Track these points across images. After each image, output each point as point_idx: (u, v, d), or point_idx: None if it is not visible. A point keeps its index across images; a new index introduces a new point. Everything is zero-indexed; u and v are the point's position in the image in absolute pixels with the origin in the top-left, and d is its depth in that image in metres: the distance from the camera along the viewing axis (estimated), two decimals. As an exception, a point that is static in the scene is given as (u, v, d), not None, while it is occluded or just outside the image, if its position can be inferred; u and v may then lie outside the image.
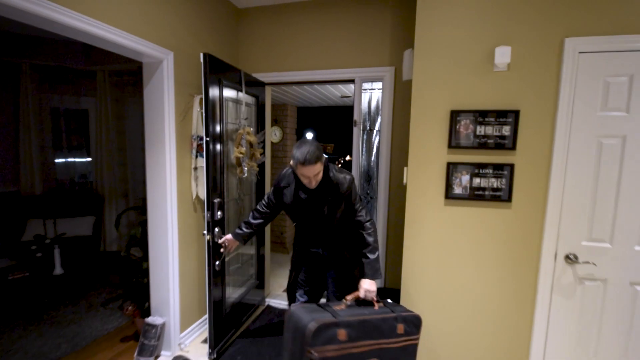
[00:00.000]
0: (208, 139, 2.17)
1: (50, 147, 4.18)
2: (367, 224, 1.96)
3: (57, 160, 4.30)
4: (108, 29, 1.79)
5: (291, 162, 1.83)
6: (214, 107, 2.23)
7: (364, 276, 1.89)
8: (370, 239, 1.93)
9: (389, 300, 1.91)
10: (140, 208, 3.00)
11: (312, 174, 1.80)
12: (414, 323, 1.84)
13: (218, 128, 2.30)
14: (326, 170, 1.92)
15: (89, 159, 4.45)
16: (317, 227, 2.05)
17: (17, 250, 3.46)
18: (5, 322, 2.79)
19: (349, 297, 1.78)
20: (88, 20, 1.69)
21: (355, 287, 1.98)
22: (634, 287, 1.90)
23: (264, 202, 2.21)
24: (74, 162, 4.44)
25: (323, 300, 2.33)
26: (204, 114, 2.16)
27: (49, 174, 4.20)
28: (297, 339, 1.59)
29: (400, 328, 1.79)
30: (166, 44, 2.19)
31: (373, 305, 1.81)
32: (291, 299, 2.26)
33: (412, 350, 1.83)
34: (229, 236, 2.24)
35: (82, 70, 4.18)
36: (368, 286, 1.83)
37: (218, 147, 2.32)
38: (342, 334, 1.59)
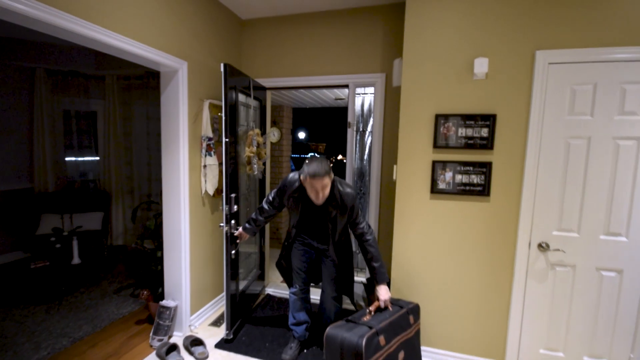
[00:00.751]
0: (227, 139, 2.40)
1: (61, 147, 4.40)
2: (368, 235, 2.19)
3: (67, 159, 4.52)
4: (133, 43, 2.01)
5: (301, 176, 2.03)
6: (231, 111, 2.46)
7: (375, 283, 2.16)
8: (372, 249, 2.18)
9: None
10: (152, 202, 3.23)
11: (321, 187, 2.00)
12: (417, 311, 2.17)
13: (234, 130, 2.55)
14: (333, 186, 2.11)
15: (97, 158, 4.67)
16: (319, 234, 2.31)
17: (33, 243, 3.68)
18: (29, 306, 3.02)
19: (372, 308, 2.02)
20: (116, 36, 1.91)
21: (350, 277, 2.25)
22: (599, 272, 2.13)
23: (268, 200, 2.40)
24: (84, 160, 4.66)
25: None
26: (223, 118, 2.38)
27: (61, 171, 4.42)
28: (350, 356, 1.76)
29: (411, 319, 2.10)
30: (181, 55, 2.41)
31: (387, 307, 2.08)
32: (285, 276, 2.55)
33: (419, 333, 2.15)
34: (241, 229, 2.49)
35: (92, 74, 4.40)
36: (384, 295, 2.10)
37: (234, 147, 2.57)
38: (382, 340, 1.83)
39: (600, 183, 2.06)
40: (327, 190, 2.05)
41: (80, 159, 4.62)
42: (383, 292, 2.10)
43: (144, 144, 4.56)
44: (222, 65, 2.36)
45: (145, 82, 4.34)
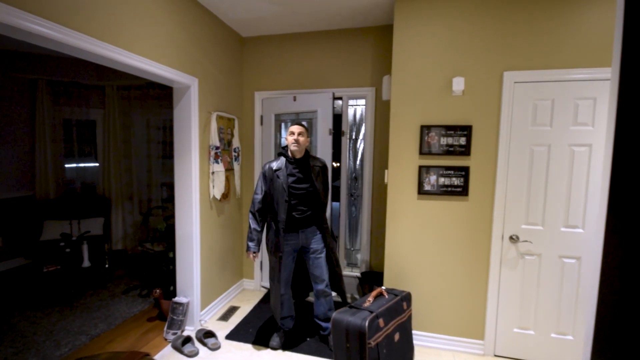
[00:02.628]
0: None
1: (62, 155, 4.53)
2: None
3: (67, 166, 4.65)
4: (152, 64, 2.26)
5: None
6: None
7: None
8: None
9: (383, 287, 2.45)
10: (162, 207, 3.44)
11: (297, 131, 2.44)
12: (409, 298, 2.49)
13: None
14: (308, 153, 2.57)
15: (97, 164, 4.82)
16: (306, 201, 2.48)
17: (38, 248, 3.80)
18: (42, 308, 3.17)
19: (371, 298, 2.29)
20: (138, 58, 2.15)
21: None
22: (561, 260, 2.48)
23: (257, 197, 2.52)
24: (84, 167, 4.79)
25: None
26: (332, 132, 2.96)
27: (61, 179, 4.55)
28: (354, 336, 2.03)
29: (405, 305, 2.41)
30: (192, 72, 2.67)
31: (383, 294, 2.37)
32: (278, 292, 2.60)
33: (410, 317, 2.46)
34: (251, 254, 2.55)
35: (93, 85, 4.57)
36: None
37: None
38: (381, 322, 2.13)
39: (560, 183, 2.43)
40: (303, 139, 2.46)
41: (80, 165, 4.75)
42: None
43: (144, 151, 4.74)
44: (331, 92, 3.00)
45: (145, 92, 4.53)
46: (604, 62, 2.28)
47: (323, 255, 2.57)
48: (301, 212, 2.50)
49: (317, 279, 2.57)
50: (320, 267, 2.56)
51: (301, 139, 2.44)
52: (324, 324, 2.67)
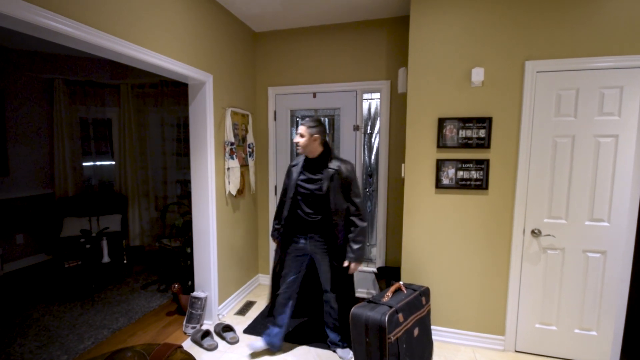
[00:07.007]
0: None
1: (79, 153, 4.61)
2: (358, 216, 2.32)
3: (85, 164, 4.73)
4: (170, 61, 2.26)
5: None
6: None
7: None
8: (356, 229, 2.32)
9: (401, 282, 2.42)
10: (181, 204, 3.47)
11: (301, 131, 2.27)
12: (427, 293, 2.46)
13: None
14: (327, 153, 2.34)
15: (113, 163, 4.89)
16: (311, 203, 2.34)
17: (58, 245, 3.89)
18: (64, 303, 3.25)
19: (390, 293, 2.27)
20: (155, 55, 2.15)
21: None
22: (585, 254, 2.42)
23: (282, 191, 2.53)
24: (101, 165, 4.87)
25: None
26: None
27: (79, 177, 4.63)
28: (374, 331, 2.02)
29: (423, 300, 2.38)
30: (207, 69, 2.67)
31: (401, 290, 2.34)
32: (275, 288, 2.52)
33: (429, 313, 2.43)
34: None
35: (108, 83, 4.62)
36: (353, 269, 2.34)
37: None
38: (401, 317, 2.11)
39: (584, 175, 2.35)
40: (303, 141, 2.27)
41: (97, 163, 4.84)
42: (352, 267, 2.33)
43: (159, 148, 4.79)
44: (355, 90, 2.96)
45: (159, 90, 4.57)
46: (631, 49, 2.19)
47: (326, 263, 2.39)
48: (306, 214, 2.37)
49: (323, 287, 2.48)
50: (323, 274, 2.43)
51: (301, 140, 2.28)
52: (330, 335, 2.55)
